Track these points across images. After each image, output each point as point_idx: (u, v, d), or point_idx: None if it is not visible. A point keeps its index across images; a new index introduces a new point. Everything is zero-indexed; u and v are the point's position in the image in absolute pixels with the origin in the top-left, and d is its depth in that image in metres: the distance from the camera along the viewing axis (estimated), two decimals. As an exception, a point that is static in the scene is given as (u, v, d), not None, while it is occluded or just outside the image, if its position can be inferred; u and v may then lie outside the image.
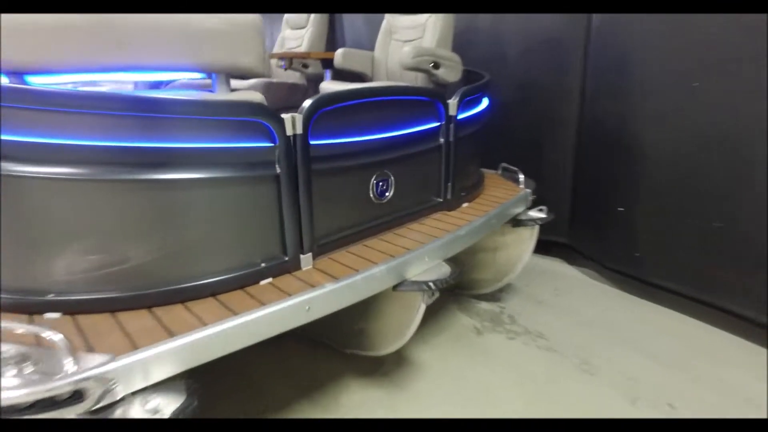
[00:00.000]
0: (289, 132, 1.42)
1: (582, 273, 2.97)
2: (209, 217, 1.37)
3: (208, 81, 1.48)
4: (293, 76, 3.60)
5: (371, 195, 1.81)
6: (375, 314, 1.85)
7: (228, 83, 1.42)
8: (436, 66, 2.34)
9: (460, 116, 2.11)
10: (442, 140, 2.08)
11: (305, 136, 1.47)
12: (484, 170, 2.78)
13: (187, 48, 1.28)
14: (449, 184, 2.15)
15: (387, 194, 1.87)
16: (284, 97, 3.39)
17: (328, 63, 3.01)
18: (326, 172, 1.60)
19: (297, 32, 3.68)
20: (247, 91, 1.41)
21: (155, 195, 1.29)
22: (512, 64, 3.03)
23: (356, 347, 2.03)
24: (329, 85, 2.70)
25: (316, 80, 3.25)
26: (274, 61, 3.41)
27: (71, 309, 1.27)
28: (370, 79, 2.98)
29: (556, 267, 3.09)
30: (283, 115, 1.40)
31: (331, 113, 1.56)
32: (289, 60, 3.00)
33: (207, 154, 1.32)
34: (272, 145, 1.41)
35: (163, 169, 1.27)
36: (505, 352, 2.14)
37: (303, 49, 3.53)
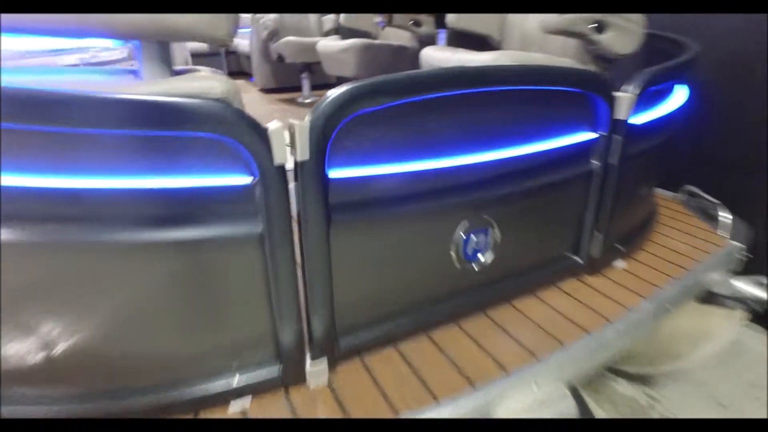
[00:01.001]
0: (278, 159, 0.72)
1: (799, 362, 1.90)
2: (139, 301, 0.77)
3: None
4: (404, 37, 2.87)
5: (454, 257, 1.05)
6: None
7: (166, 60, 0.74)
8: (600, 28, 1.41)
9: (636, 120, 1.21)
10: (596, 163, 1.21)
11: (318, 163, 0.77)
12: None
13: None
14: (599, 234, 1.29)
15: (482, 256, 1.09)
16: (387, 65, 2.69)
17: (442, 21, 2.22)
18: (363, 223, 0.90)
19: (413, -21, 2.91)
20: (202, 75, 0.72)
21: (50, 260, 0.72)
22: (713, 24, 1.91)
23: None
24: (435, 54, 1.91)
25: (431, 42, 2.50)
26: (371, 17, 2.71)
27: None
28: (497, 46, 2.12)
29: (756, 343, 2.03)
30: (269, 126, 0.71)
31: (372, 120, 0.83)
32: (388, 16, 2.26)
33: (124, 200, 0.71)
34: (249, 181, 0.74)
35: (48, 222, 0.70)
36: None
37: (416, 1, 2.76)
